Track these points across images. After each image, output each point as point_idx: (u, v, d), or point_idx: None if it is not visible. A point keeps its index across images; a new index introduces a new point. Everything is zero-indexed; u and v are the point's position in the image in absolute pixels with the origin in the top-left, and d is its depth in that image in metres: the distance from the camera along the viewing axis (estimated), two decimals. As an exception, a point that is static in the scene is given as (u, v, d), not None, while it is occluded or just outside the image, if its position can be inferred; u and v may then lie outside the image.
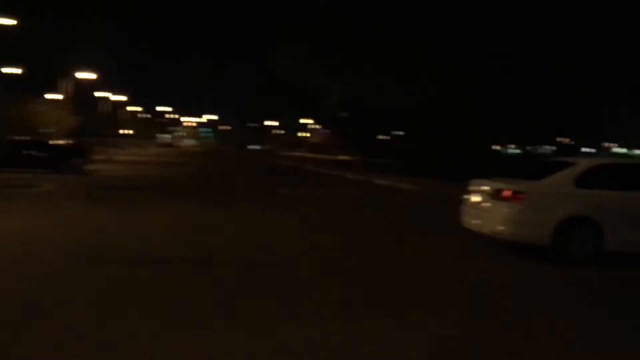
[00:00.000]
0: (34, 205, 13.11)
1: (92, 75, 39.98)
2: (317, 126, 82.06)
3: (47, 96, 40.36)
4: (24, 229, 9.78)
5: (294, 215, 13.40)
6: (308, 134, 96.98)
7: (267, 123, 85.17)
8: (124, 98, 61.00)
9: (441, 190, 21.09)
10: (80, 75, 39.03)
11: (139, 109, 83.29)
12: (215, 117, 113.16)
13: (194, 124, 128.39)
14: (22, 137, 25.93)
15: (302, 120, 73.42)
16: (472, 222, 9.47)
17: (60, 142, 26.61)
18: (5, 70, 34.24)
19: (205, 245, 9.00)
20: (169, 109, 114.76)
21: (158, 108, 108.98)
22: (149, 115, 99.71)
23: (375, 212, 15.16)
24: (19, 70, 34.15)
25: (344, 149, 64.31)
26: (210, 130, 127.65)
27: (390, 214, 14.72)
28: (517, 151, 64.81)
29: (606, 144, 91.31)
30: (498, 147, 58.85)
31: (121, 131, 67.49)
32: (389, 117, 43.87)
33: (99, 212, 12.23)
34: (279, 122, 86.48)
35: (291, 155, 68.27)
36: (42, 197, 15.13)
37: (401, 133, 57.09)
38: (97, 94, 51.23)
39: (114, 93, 55.45)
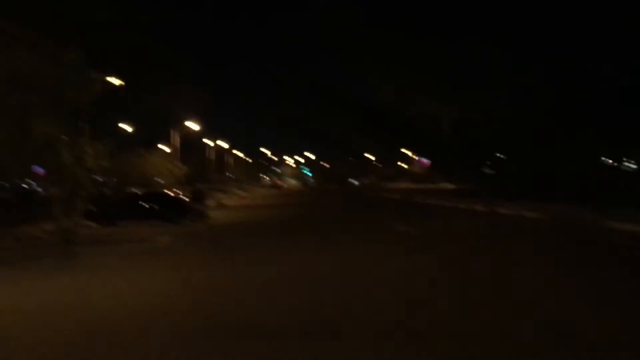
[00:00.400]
0: (153, 262, 12.76)
1: (197, 126, 41.22)
2: (416, 156, 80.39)
3: (158, 147, 42.13)
4: (150, 292, 9.20)
5: (431, 258, 11.98)
6: (407, 165, 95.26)
7: (366, 156, 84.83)
8: (226, 145, 63.00)
9: (575, 216, 18.89)
10: (187, 124, 40.33)
11: (240, 154, 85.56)
12: (313, 157, 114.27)
13: (294, 164, 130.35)
14: (141, 190, 26.69)
15: (401, 151, 72.18)
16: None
17: (177, 192, 27.10)
18: (120, 126, 35.95)
19: (355, 308, 7.83)
20: (268, 151, 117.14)
21: (261, 149, 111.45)
22: (250, 160, 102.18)
23: (527, 249, 13.06)
24: (131, 128, 35.81)
25: (447, 177, 61.87)
26: (309, 168, 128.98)
27: (545, 251, 12.54)
28: (634, 166, 58.79)
29: None
30: (610, 162, 53.93)
31: (227, 174, 69.30)
32: (491, 140, 41.71)
33: (227, 268, 11.58)
34: (375, 155, 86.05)
35: (394, 187, 66.83)
36: (163, 251, 14.84)
37: (502, 156, 54.24)
38: (203, 140, 53.00)
39: (217, 139, 57.38)
